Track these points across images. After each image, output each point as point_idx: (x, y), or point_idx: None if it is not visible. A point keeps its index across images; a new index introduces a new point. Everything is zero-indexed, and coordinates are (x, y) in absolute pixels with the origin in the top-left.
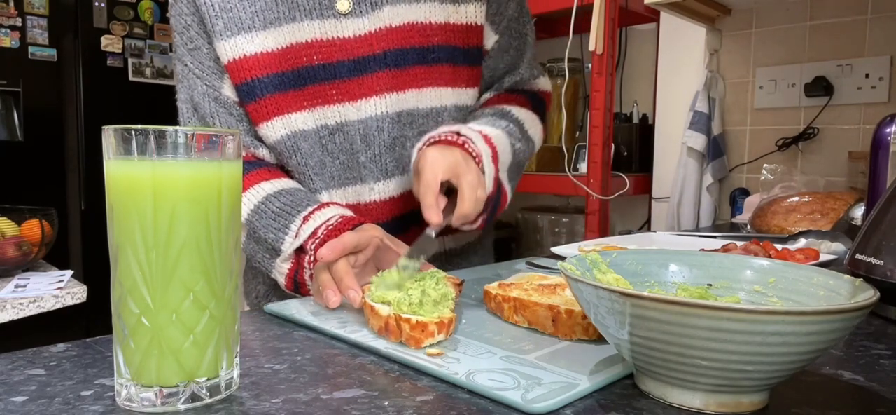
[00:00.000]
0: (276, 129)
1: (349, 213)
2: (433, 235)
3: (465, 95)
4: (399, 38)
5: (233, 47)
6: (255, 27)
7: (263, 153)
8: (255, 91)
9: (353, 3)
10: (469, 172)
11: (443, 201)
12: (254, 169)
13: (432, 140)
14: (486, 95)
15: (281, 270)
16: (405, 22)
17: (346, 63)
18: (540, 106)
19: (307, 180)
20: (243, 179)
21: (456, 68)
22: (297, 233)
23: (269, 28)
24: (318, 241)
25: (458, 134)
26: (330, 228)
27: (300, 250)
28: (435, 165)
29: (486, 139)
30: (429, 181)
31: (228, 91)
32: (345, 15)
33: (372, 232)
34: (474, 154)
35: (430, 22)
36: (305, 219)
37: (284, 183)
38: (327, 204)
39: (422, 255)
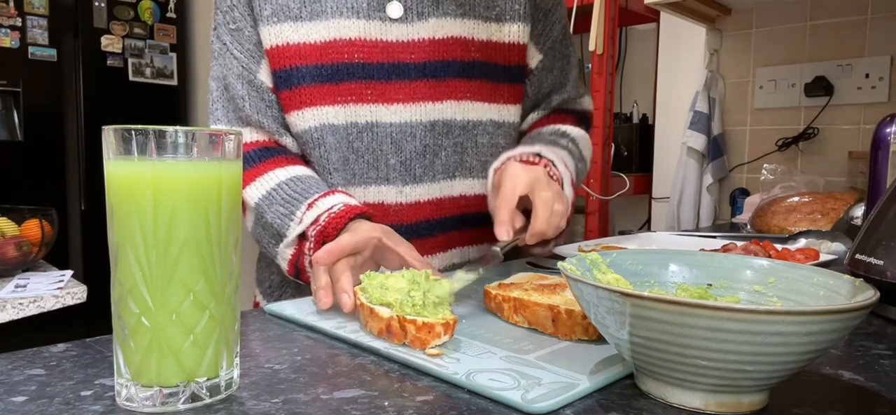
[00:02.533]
0: (305, 119)
1: (354, 201)
2: (499, 251)
3: (503, 112)
4: (440, 51)
5: (277, 34)
6: (301, 17)
7: (287, 141)
8: (292, 79)
9: (404, 10)
10: (547, 189)
11: (519, 220)
12: (272, 156)
13: (511, 158)
14: (535, 115)
15: (284, 255)
16: (448, 35)
17: (385, 65)
18: (587, 125)
19: (326, 175)
20: (260, 165)
21: (496, 85)
22: (300, 219)
23: (315, 20)
24: (319, 227)
25: (540, 156)
26: (332, 215)
27: (303, 237)
28: (516, 178)
29: (564, 164)
30: (506, 194)
31: (264, 76)
32: (393, 20)
33: (369, 233)
34: (555, 177)
35: (473, 38)
36: (310, 205)
37: (298, 170)
38: (334, 191)
39: (481, 269)
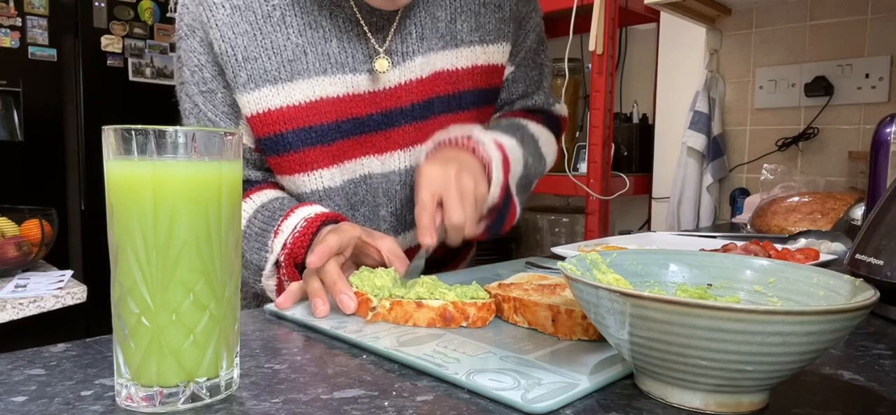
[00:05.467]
0: (301, 184)
1: (317, 209)
2: (420, 263)
3: None
4: (425, 89)
5: (257, 100)
6: (281, 79)
7: (252, 175)
8: (280, 146)
9: (392, 59)
10: (465, 178)
11: (440, 217)
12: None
13: (441, 142)
14: (498, 113)
15: (269, 287)
16: (433, 71)
17: (374, 116)
18: (555, 127)
19: None
20: None
21: (481, 111)
22: (271, 248)
23: (296, 80)
24: (287, 251)
25: (470, 137)
26: (296, 235)
27: (278, 264)
28: (431, 183)
29: (499, 146)
30: (424, 201)
31: (244, 137)
32: (381, 72)
33: (351, 232)
34: (484, 159)
35: (457, 68)
36: (275, 233)
37: (264, 196)
38: (294, 209)
39: (417, 274)
